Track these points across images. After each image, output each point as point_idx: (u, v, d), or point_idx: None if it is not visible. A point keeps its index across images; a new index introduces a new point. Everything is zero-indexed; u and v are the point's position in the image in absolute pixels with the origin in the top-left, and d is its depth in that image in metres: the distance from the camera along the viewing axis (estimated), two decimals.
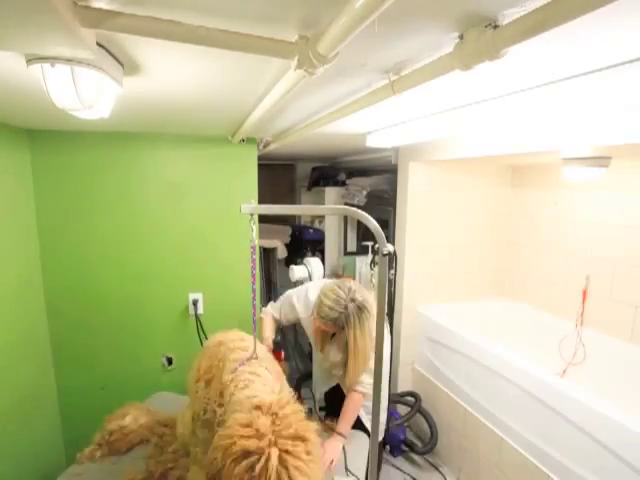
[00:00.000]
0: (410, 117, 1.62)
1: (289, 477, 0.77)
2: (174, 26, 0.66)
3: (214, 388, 1.16)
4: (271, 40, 0.73)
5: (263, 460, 0.76)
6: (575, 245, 2.37)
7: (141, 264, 2.11)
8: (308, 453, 0.82)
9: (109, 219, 2.03)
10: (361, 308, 1.48)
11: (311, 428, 0.88)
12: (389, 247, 1.17)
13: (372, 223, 1.17)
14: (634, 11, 0.64)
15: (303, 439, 0.83)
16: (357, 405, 1.61)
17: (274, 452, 0.78)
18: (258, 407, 0.89)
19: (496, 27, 0.68)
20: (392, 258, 1.24)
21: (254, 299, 1.30)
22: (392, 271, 1.29)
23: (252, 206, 1.23)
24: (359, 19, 0.57)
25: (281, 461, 0.77)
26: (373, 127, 1.89)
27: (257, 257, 1.37)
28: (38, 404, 1.90)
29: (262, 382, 1.09)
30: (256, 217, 1.24)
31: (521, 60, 0.88)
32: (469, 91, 1.19)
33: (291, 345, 3.72)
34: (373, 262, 1.25)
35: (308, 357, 3.20)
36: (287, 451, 0.79)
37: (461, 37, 0.74)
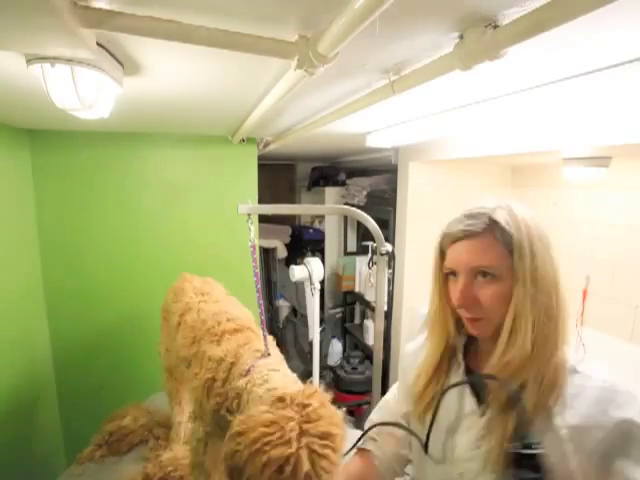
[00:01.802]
0: (410, 117, 1.62)
1: (317, 477, 0.72)
2: (174, 26, 0.66)
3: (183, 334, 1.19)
4: (271, 40, 0.73)
5: (292, 464, 0.72)
6: (575, 245, 2.37)
7: (141, 264, 2.11)
8: (335, 451, 0.77)
9: (109, 219, 2.03)
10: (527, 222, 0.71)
11: (340, 421, 0.81)
12: (387, 246, 1.18)
13: (370, 223, 1.18)
14: (634, 11, 0.64)
15: (331, 435, 0.78)
16: None
17: (304, 456, 0.73)
18: (281, 399, 0.81)
19: (496, 27, 0.68)
20: (390, 258, 1.24)
21: (259, 298, 1.30)
22: (390, 270, 1.28)
23: (249, 206, 1.23)
24: (359, 19, 0.57)
25: (310, 463, 0.73)
26: (373, 127, 1.89)
27: (257, 257, 1.38)
28: (38, 404, 1.90)
29: (282, 375, 1.00)
30: (255, 217, 1.24)
31: (521, 60, 0.88)
32: (469, 91, 1.19)
33: (291, 345, 3.72)
34: (372, 261, 1.26)
35: (308, 356, 3.20)
36: (316, 452, 0.74)
37: (461, 37, 0.74)
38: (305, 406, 0.78)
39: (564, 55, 0.86)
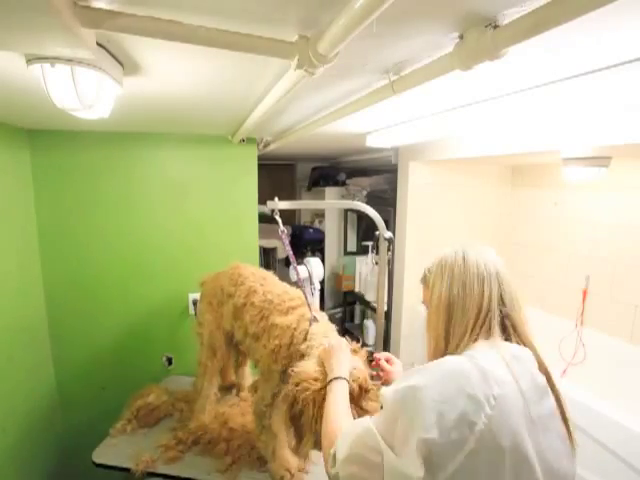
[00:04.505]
0: (410, 117, 1.62)
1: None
2: (174, 26, 0.66)
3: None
4: (271, 40, 0.73)
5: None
6: (575, 245, 2.37)
7: (141, 264, 2.11)
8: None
9: (109, 219, 2.03)
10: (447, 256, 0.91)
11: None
12: (389, 233, 1.52)
13: (371, 211, 1.33)
14: (634, 11, 0.64)
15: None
16: None
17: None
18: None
19: (496, 27, 0.68)
20: (390, 243, 1.57)
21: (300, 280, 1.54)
22: (389, 253, 1.63)
23: (275, 202, 1.51)
24: (359, 19, 0.57)
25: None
26: (373, 127, 1.89)
27: (287, 241, 1.54)
28: (38, 404, 1.90)
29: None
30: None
31: (521, 60, 0.88)
32: (469, 91, 1.19)
33: None
34: (375, 249, 1.65)
35: None
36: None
37: (461, 37, 0.74)
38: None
39: (564, 55, 0.86)
